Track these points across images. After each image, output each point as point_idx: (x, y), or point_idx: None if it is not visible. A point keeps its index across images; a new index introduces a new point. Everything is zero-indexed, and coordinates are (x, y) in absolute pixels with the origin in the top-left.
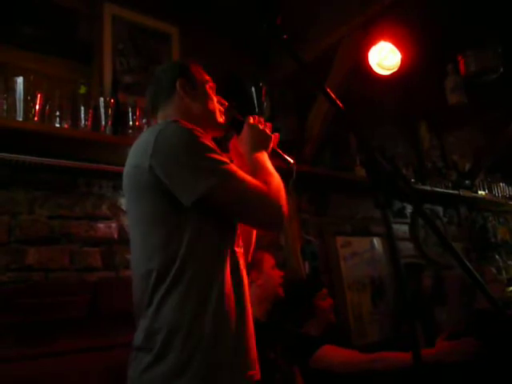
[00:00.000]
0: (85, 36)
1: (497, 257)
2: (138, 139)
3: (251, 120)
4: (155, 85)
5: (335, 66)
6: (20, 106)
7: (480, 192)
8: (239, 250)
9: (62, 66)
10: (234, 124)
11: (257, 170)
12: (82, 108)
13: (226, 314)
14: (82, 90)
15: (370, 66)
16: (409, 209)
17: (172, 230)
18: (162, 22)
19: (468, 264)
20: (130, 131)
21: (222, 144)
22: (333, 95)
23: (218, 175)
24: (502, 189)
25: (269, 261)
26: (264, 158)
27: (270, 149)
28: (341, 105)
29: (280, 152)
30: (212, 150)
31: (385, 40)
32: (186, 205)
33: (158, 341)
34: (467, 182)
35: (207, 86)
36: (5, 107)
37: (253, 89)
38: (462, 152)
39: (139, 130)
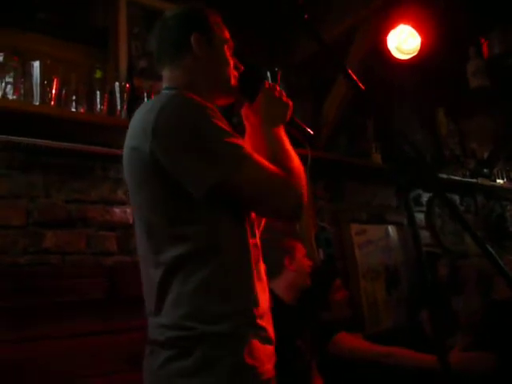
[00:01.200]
0: (100, 21)
1: None
2: (137, 115)
3: (267, 86)
4: (162, 35)
5: (353, 50)
6: (37, 90)
7: (498, 180)
8: (254, 242)
9: (78, 51)
10: (248, 90)
11: (276, 151)
12: (98, 92)
13: (249, 312)
14: (98, 74)
15: (389, 50)
16: (425, 197)
17: (181, 222)
18: (174, 4)
19: (492, 251)
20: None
21: (235, 108)
22: (354, 76)
23: (233, 162)
24: None
25: (301, 250)
26: (282, 135)
27: (286, 120)
28: (362, 86)
29: (299, 122)
30: (225, 132)
31: (404, 23)
32: (196, 196)
33: (179, 337)
34: (485, 170)
35: (225, 46)
36: (22, 91)
37: (268, 74)
38: (480, 139)
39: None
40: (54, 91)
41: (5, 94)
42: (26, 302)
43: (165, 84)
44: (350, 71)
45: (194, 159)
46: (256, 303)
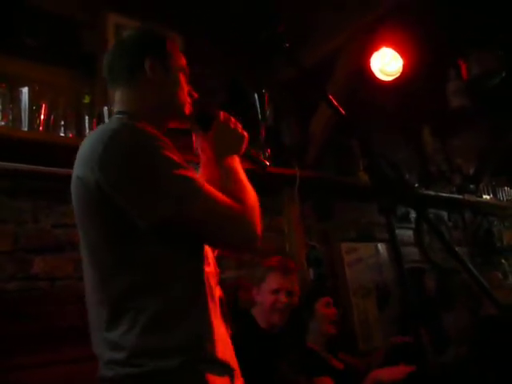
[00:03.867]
0: (88, 46)
1: (503, 261)
2: (85, 142)
3: (222, 116)
4: (117, 56)
5: (337, 72)
6: (25, 115)
7: (484, 196)
8: (209, 270)
9: (67, 76)
10: (202, 119)
11: (229, 182)
12: (87, 117)
13: (202, 344)
14: (87, 99)
15: (373, 72)
16: (413, 214)
17: (128, 256)
18: (164, 30)
19: (473, 269)
20: None
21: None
22: (335, 102)
23: (184, 195)
24: (506, 193)
25: (273, 281)
26: (236, 165)
27: (241, 151)
28: (343, 111)
29: (254, 154)
30: (176, 164)
31: (387, 46)
32: (142, 228)
33: (128, 374)
34: (471, 186)
35: (181, 72)
36: (10, 117)
37: (256, 96)
38: (465, 156)
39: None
40: (42, 116)
41: None
42: (14, 328)
43: (117, 107)
44: (330, 97)
45: (144, 191)
46: (210, 335)
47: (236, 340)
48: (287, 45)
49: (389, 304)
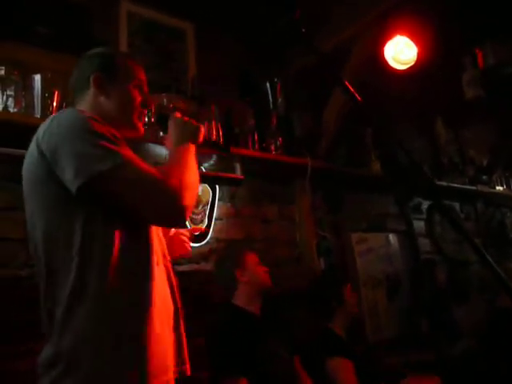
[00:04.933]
0: (100, 33)
1: None
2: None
3: (177, 115)
4: (75, 74)
5: (351, 61)
6: (38, 102)
7: (498, 187)
8: (158, 258)
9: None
10: (160, 121)
11: (171, 162)
12: None
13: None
14: None
15: (386, 61)
16: (425, 204)
17: (62, 228)
18: (177, 18)
19: (490, 259)
20: (145, 127)
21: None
22: (351, 88)
23: (108, 161)
24: None
25: (252, 258)
26: (184, 150)
27: (199, 140)
28: (359, 98)
29: (214, 140)
30: (105, 138)
31: (401, 34)
32: (72, 191)
33: (65, 359)
34: (484, 177)
35: (131, 85)
36: (23, 104)
37: (267, 85)
38: (479, 147)
39: (154, 126)
40: (54, 104)
41: (6, 106)
42: (28, 315)
43: None
44: (346, 83)
45: (72, 158)
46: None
47: (223, 327)
48: (303, 30)
49: (399, 295)
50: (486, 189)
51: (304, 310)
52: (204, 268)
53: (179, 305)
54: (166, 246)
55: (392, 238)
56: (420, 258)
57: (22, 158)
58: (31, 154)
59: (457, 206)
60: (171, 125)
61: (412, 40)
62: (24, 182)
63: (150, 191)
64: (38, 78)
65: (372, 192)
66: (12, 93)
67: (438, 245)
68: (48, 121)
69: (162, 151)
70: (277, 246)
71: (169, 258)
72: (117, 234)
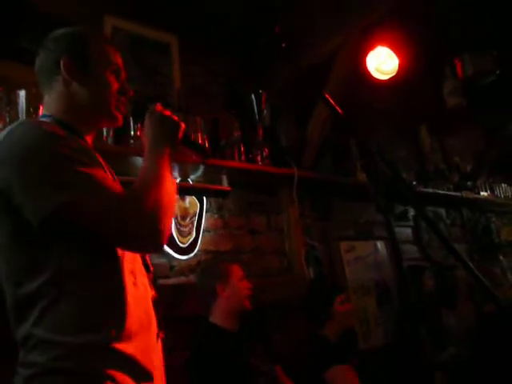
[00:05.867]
0: None
1: (501, 258)
2: None
3: (156, 107)
4: (41, 59)
5: (334, 72)
6: (22, 118)
7: (482, 193)
8: (132, 268)
9: None
10: (136, 112)
11: (145, 176)
12: None
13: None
14: None
15: (369, 71)
16: (412, 212)
17: (29, 261)
18: (161, 32)
19: (471, 266)
20: (132, 141)
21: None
22: (332, 101)
23: (71, 189)
24: (504, 189)
25: (237, 272)
26: (160, 159)
27: (177, 140)
28: (340, 110)
29: (193, 141)
30: (68, 158)
31: (382, 45)
32: (34, 224)
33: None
34: (469, 183)
35: (107, 70)
36: (7, 120)
37: (253, 97)
38: (463, 154)
39: (140, 139)
40: None
41: None
42: None
43: (43, 111)
44: (327, 96)
45: (30, 187)
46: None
47: (200, 347)
48: (283, 45)
49: (388, 302)
50: (470, 195)
51: (294, 320)
52: (192, 281)
53: (159, 327)
54: (141, 260)
55: (380, 245)
56: (403, 265)
57: None
58: None
59: (443, 212)
60: (149, 118)
61: (393, 51)
62: None
63: (123, 218)
64: (22, 93)
65: (359, 200)
66: None
67: (426, 251)
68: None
69: None
70: (266, 256)
71: (147, 272)
72: (84, 262)
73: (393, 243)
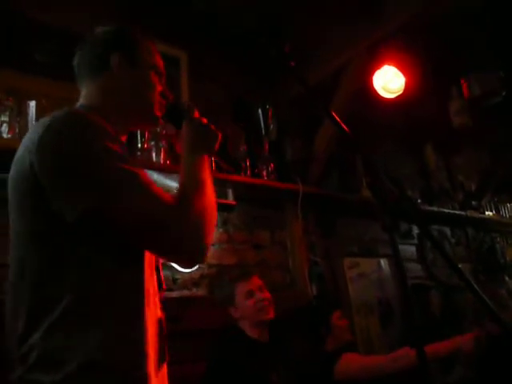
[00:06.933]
0: None
1: (506, 278)
2: (27, 134)
3: (195, 113)
4: (84, 51)
5: (340, 89)
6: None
7: (487, 212)
8: (148, 299)
9: (73, 90)
10: (172, 114)
11: (188, 184)
12: None
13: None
14: None
15: (375, 90)
16: (416, 230)
17: (53, 259)
18: (171, 46)
19: (476, 287)
20: (139, 153)
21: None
22: (338, 118)
23: (115, 187)
24: (509, 209)
25: (241, 289)
26: (201, 167)
27: (215, 150)
28: (346, 128)
29: (227, 152)
30: (115, 155)
31: (389, 64)
32: (68, 219)
33: None
34: (474, 202)
35: (153, 71)
36: (17, 130)
37: (260, 111)
38: (468, 173)
39: (148, 152)
40: None
41: (0, 132)
42: None
43: (80, 102)
44: (333, 113)
45: (70, 179)
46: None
47: (226, 353)
48: (293, 63)
49: (392, 321)
50: (475, 214)
51: (296, 336)
52: (195, 294)
53: (166, 355)
54: (156, 278)
55: (383, 262)
56: (408, 284)
57: None
58: (22, 161)
59: (447, 230)
60: (188, 126)
61: (400, 70)
62: (10, 202)
63: (168, 228)
64: (32, 104)
65: (363, 217)
66: (6, 119)
67: (430, 270)
68: (42, 126)
69: (169, 183)
70: (269, 271)
71: (159, 289)
72: (110, 269)
73: (398, 262)
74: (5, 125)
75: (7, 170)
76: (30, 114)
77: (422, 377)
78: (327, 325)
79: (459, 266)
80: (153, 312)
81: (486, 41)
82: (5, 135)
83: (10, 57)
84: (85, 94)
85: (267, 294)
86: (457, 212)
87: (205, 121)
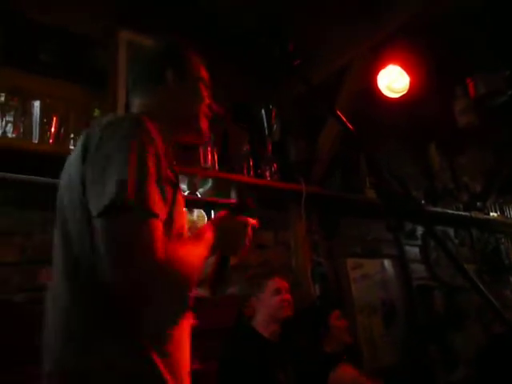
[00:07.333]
0: (99, 62)
1: (511, 279)
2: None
3: (249, 220)
4: (138, 66)
5: (344, 89)
6: (36, 128)
7: (492, 213)
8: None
9: (78, 91)
10: (236, 209)
11: (194, 261)
12: None
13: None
14: (97, 112)
15: (379, 89)
16: (420, 230)
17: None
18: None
19: (481, 287)
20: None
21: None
22: (343, 117)
23: (117, 201)
24: None
25: (272, 286)
26: (205, 253)
27: (240, 256)
28: (351, 127)
29: (247, 207)
30: (146, 172)
31: (393, 63)
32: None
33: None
34: (478, 203)
35: (201, 83)
36: (21, 130)
37: (263, 112)
38: (472, 174)
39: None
40: (52, 129)
41: (5, 132)
42: (22, 340)
43: (134, 111)
44: (338, 112)
45: (102, 178)
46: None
47: (237, 352)
48: (297, 63)
49: (395, 321)
50: (480, 215)
51: (299, 336)
52: (200, 294)
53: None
54: None
55: (387, 263)
56: (412, 284)
57: (19, 183)
58: (75, 155)
59: (451, 231)
60: (221, 222)
61: (404, 69)
62: (62, 200)
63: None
64: (37, 104)
65: (367, 217)
66: (11, 118)
67: (433, 270)
68: (99, 126)
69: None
70: (273, 271)
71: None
72: None
73: (402, 262)
74: (9, 125)
75: (12, 170)
76: (35, 114)
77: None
78: (325, 325)
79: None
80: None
81: (486, 41)
82: (9, 135)
83: (14, 57)
84: (138, 104)
85: (290, 297)
86: (461, 213)
87: (238, 222)
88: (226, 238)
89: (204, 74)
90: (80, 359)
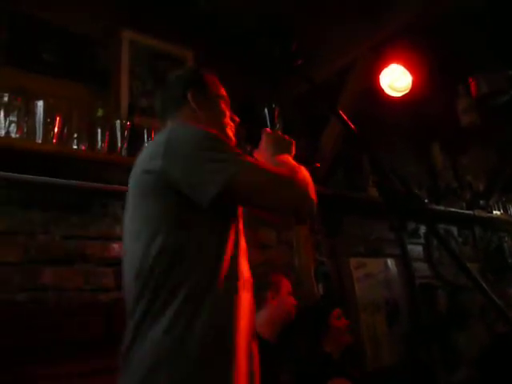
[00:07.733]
0: (103, 61)
1: None
2: (148, 145)
3: (267, 130)
4: (166, 91)
5: (347, 88)
6: (39, 128)
7: (495, 212)
8: (243, 283)
9: (81, 90)
10: (250, 137)
11: (280, 166)
12: (99, 130)
13: (216, 336)
14: (100, 112)
15: (382, 88)
16: (423, 229)
17: (178, 235)
18: (177, 46)
19: (484, 286)
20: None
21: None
22: (345, 117)
23: (236, 165)
24: None
25: (286, 286)
26: (287, 158)
27: (292, 154)
28: (353, 126)
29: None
30: (228, 145)
31: (396, 62)
32: (204, 205)
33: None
34: (481, 202)
35: (221, 101)
36: (25, 130)
37: (266, 111)
38: (475, 172)
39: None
40: (56, 129)
41: (8, 132)
42: (23, 340)
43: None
44: (340, 112)
45: (200, 169)
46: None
47: None
48: (299, 62)
49: (398, 321)
50: (483, 213)
51: (300, 336)
52: None
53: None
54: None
55: (390, 262)
56: (415, 283)
57: (22, 183)
58: (148, 170)
59: (455, 230)
60: (265, 139)
61: (407, 68)
62: (132, 201)
63: (282, 188)
64: (40, 104)
65: (370, 216)
66: (14, 118)
67: (437, 269)
68: (164, 136)
69: None
70: (275, 271)
71: (251, 281)
72: (223, 237)
73: (406, 261)
74: (13, 124)
75: (15, 170)
76: (38, 114)
77: (426, 376)
78: (325, 324)
79: (466, 264)
80: (247, 302)
81: (487, 41)
82: (13, 135)
83: (18, 57)
84: (172, 123)
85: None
86: (464, 211)
87: (279, 133)
88: (275, 149)
89: (221, 91)
90: None
